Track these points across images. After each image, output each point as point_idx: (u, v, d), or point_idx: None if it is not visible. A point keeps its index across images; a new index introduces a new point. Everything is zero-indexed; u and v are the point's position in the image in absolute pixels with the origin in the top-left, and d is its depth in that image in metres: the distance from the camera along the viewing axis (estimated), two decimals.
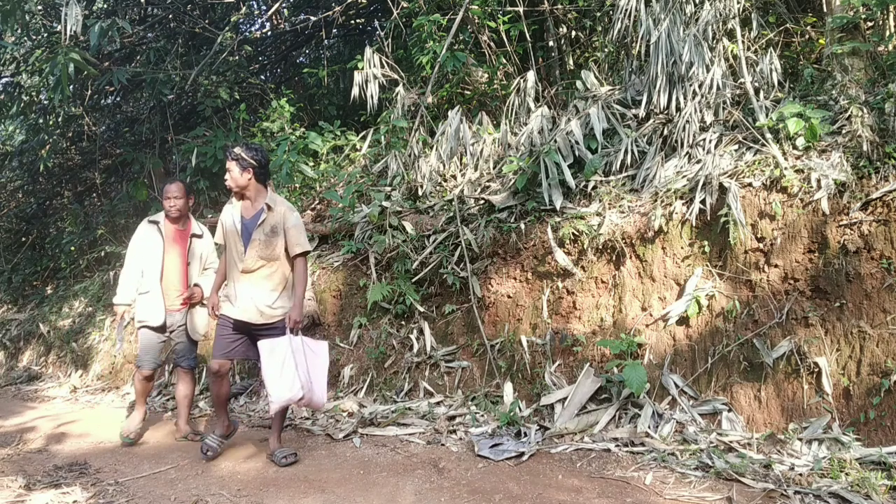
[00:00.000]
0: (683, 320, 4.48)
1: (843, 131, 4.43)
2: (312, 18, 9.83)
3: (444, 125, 6.58)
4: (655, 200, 4.85)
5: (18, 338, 10.33)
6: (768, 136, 4.66)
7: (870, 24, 5.27)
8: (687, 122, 5.08)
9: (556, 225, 5.14)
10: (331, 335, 6.10)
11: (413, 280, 5.78)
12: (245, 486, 3.76)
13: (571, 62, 8.19)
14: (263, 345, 4.03)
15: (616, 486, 3.47)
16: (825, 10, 5.39)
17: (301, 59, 12.83)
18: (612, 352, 4.46)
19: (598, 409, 4.44)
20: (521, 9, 7.04)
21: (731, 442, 3.84)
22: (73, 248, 10.90)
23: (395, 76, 7.07)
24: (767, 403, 4.02)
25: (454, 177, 6.64)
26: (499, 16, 7.20)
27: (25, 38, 9.45)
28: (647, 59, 5.61)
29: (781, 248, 4.23)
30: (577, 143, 5.52)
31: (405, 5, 7.85)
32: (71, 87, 8.95)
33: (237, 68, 10.21)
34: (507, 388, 4.93)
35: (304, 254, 4.21)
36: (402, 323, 5.83)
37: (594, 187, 5.29)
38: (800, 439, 3.75)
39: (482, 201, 5.90)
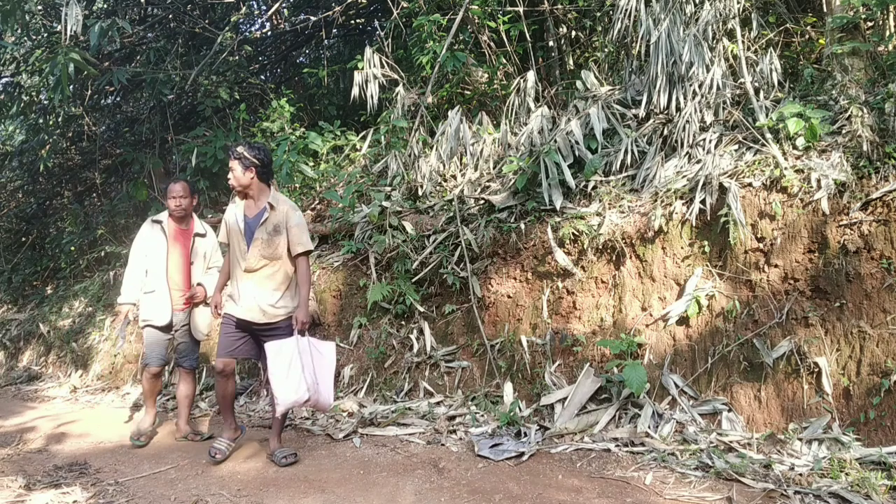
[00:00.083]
0: (683, 320, 4.48)
1: (843, 131, 4.43)
2: (312, 18, 9.83)
3: (444, 125, 6.58)
4: (655, 200, 4.85)
5: (18, 338, 10.33)
6: (768, 136, 4.66)
7: (870, 24, 5.27)
8: (687, 122, 5.08)
9: (556, 225, 5.14)
10: (331, 335, 6.10)
11: (413, 280, 5.78)
12: (245, 486, 3.76)
13: (571, 62, 8.19)
14: (270, 346, 4.02)
15: (616, 486, 3.47)
16: (825, 10, 5.39)
17: (301, 59, 12.83)
18: (612, 352, 4.46)
19: (598, 409, 4.44)
20: (521, 9, 7.04)
21: (731, 442, 3.84)
22: (73, 248, 10.90)
23: (395, 76, 7.07)
24: (767, 403, 4.02)
25: (454, 177, 6.64)
26: (499, 16, 7.20)
27: (25, 38, 9.45)
28: (647, 59, 5.61)
29: (781, 248, 4.23)
30: (577, 143, 5.52)
31: (405, 5, 7.85)
32: (71, 87, 8.95)
33: (237, 68, 10.21)
34: (507, 388, 4.93)
35: (307, 253, 4.20)
36: (402, 323, 5.83)
37: (594, 187, 5.29)
38: (800, 439, 3.75)
39: (482, 201, 5.90)
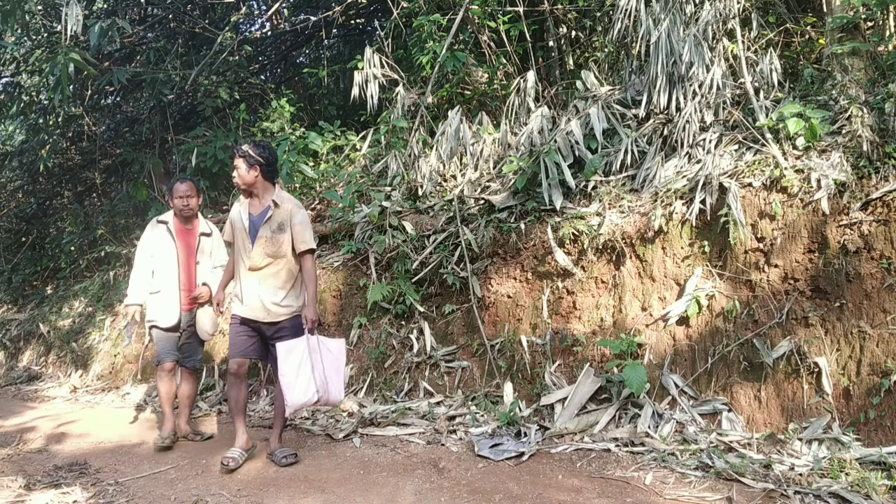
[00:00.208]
0: (683, 320, 4.48)
1: (843, 131, 4.43)
2: (312, 18, 9.83)
3: (444, 125, 6.58)
4: (655, 200, 4.85)
5: (18, 338, 10.33)
6: (768, 136, 4.66)
7: (870, 24, 5.28)
8: (687, 122, 5.08)
9: (556, 225, 5.14)
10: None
11: (413, 280, 5.78)
12: (245, 486, 3.76)
13: (571, 62, 8.19)
14: (281, 347, 4.00)
15: (616, 486, 3.47)
16: (825, 10, 5.39)
17: (301, 59, 12.84)
18: (612, 352, 4.46)
19: (598, 409, 4.44)
20: (521, 9, 7.04)
21: (731, 442, 3.84)
22: (73, 248, 10.90)
23: (395, 76, 7.07)
24: (767, 403, 4.02)
25: (454, 177, 6.64)
26: (499, 16, 7.20)
27: (25, 38, 9.45)
28: (647, 59, 5.61)
29: (781, 248, 4.23)
30: (577, 143, 5.52)
31: (405, 5, 7.85)
32: (71, 87, 8.96)
33: (237, 68, 10.21)
34: (507, 388, 4.93)
35: (311, 251, 4.19)
36: (402, 323, 5.83)
37: (594, 187, 5.30)
38: (800, 439, 3.74)
39: (482, 201, 5.90)
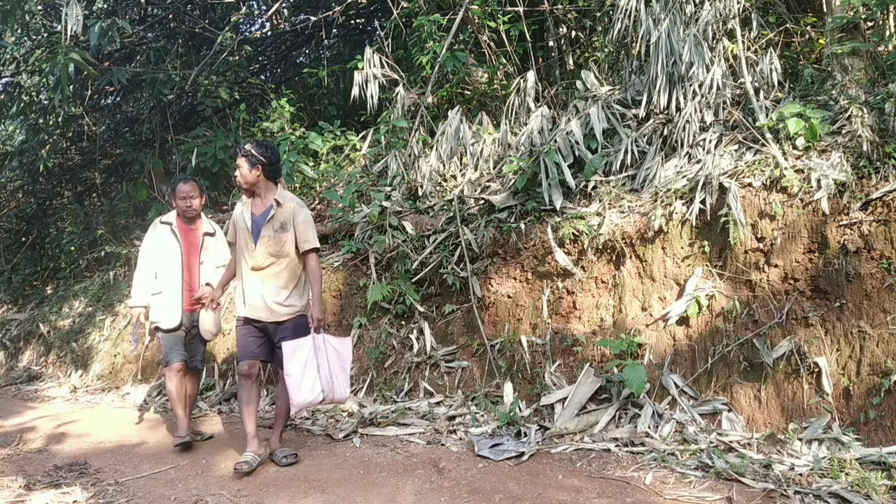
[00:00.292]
0: (683, 320, 4.48)
1: (843, 131, 4.43)
2: (312, 18, 9.83)
3: (444, 125, 6.58)
4: (655, 200, 4.85)
5: (18, 338, 10.34)
6: (768, 136, 4.66)
7: (870, 24, 5.28)
8: (687, 122, 5.08)
9: (556, 225, 5.14)
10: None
11: (413, 280, 5.78)
12: (245, 486, 3.76)
13: (571, 62, 8.19)
14: (287, 346, 3.99)
15: (616, 486, 3.47)
16: (825, 10, 5.39)
17: (301, 59, 12.84)
18: (612, 352, 4.46)
19: (598, 409, 4.44)
20: (521, 9, 7.04)
21: (731, 442, 3.84)
22: (73, 248, 10.91)
23: (395, 76, 7.07)
24: (767, 403, 4.02)
25: (454, 177, 6.64)
26: (499, 16, 7.21)
27: (25, 38, 9.46)
28: (647, 59, 5.61)
29: (781, 248, 4.23)
30: (577, 143, 5.52)
31: (405, 5, 7.85)
32: (71, 87, 8.96)
33: (237, 68, 10.21)
34: (507, 388, 4.93)
35: (315, 250, 4.18)
36: (402, 323, 5.83)
37: (594, 187, 5.30)
38: (800, 439, 3.74)
39: (482, 201, 5.91)
